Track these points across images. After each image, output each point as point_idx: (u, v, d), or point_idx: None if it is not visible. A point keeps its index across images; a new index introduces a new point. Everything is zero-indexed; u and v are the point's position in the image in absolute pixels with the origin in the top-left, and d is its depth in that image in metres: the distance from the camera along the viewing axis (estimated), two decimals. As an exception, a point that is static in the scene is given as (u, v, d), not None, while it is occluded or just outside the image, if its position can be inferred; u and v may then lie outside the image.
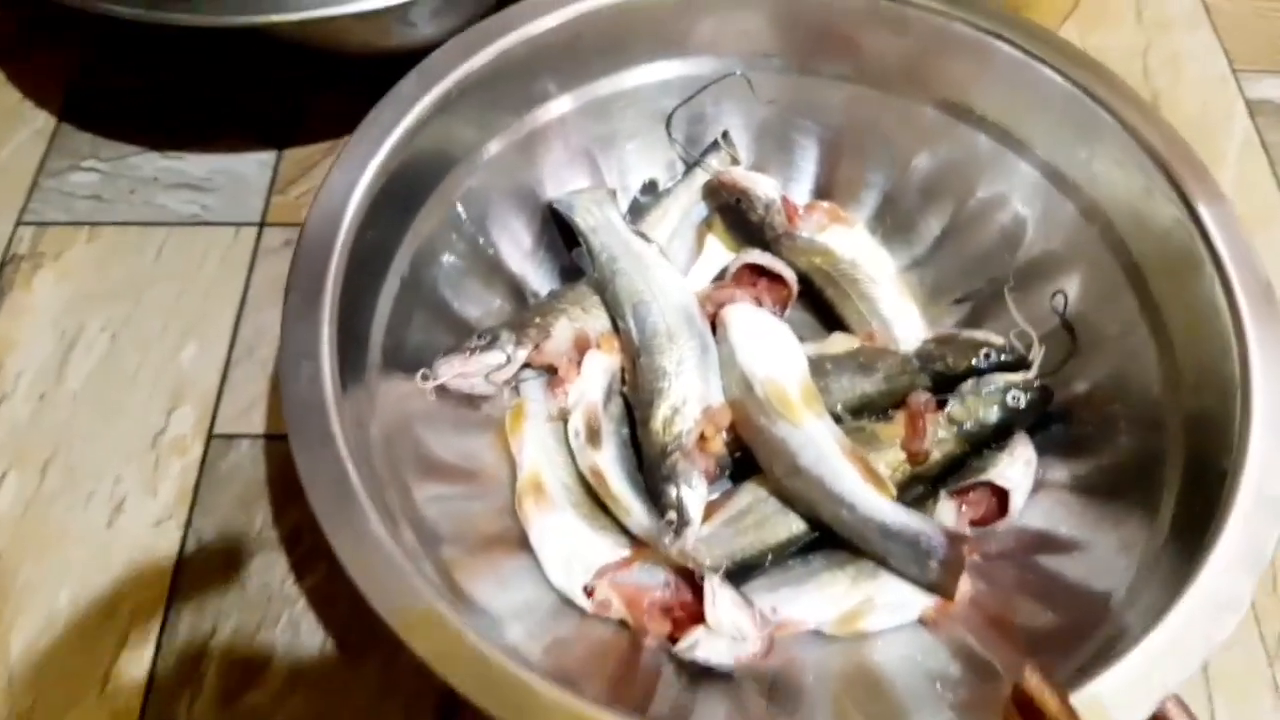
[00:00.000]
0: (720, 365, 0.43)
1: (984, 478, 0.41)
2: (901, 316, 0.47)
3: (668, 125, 0.49)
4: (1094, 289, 0.43)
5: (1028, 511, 0.41)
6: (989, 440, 0.42)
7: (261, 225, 0.53)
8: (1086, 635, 0.34)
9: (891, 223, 0.49)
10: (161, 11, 0.45)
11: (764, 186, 0.48)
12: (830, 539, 0.40)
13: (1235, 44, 0.63)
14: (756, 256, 0.47)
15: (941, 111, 0.46)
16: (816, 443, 0.39)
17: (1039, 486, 0.42)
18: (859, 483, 0.38)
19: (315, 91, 0.58)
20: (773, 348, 0.42)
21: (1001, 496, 0.41)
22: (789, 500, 0.40)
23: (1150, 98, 0.60)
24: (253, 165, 0.55)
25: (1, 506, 0.45)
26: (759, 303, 0.46)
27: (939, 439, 0.42)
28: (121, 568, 0.44)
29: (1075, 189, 0.44)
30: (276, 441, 0.46)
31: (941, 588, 0.38)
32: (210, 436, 0.47)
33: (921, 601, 0.38)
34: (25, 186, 0.55)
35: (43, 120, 0.57)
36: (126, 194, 0.54)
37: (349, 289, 0.38)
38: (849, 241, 0.48)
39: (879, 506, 0.38)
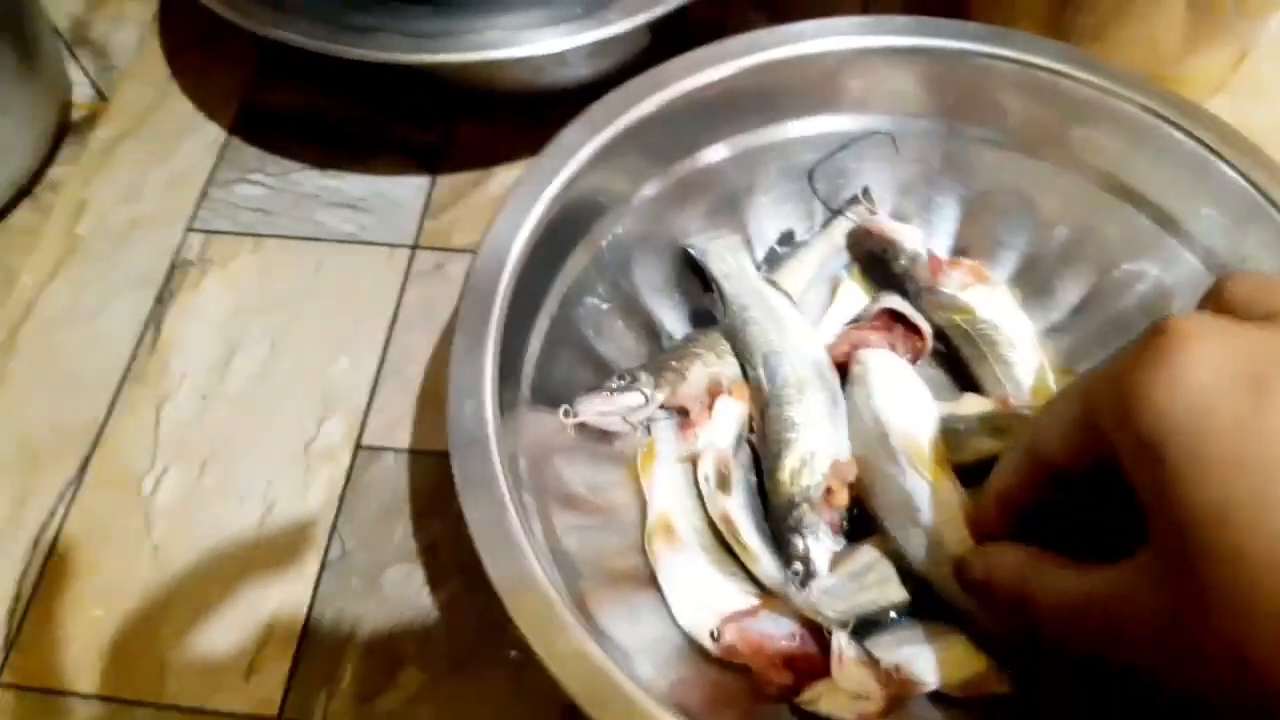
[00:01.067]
0: (850, 409, 0.44)
1: None
2: (1036, 382, 0.47)
3: (810, 177, 0.50)
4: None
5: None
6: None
7: (414, 248, 0.56)
8: None
9: (1029, 287, 0.49)
10: (340, 45, 0.48)
11: (911, 238, 0.48)
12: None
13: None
14: (896, 303, 0.48)
15: (1090, 182, 0.47)
16: (942, 503, 0.40)
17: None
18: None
19: (466, 121, 0.61)
20: (911, 398, 0.43)
21: None
22: (894, 555, 0.41)
23: (1300, 174, 0.59)
24: (407, 189, 0.58)
25: (162, 500, 0.48)
26: (893, 349, 0.47)
27: None
28: (270, 566, 0.47)
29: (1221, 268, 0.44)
30: (421, 456, 0.49)
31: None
32: (358, 447, 0.49)
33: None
34: (195, 195, 0.58)
35: (214, 133, 0.61)
36: (289, 208, 0.58)
37: (508, 330, 0.40)
38: (991, 302, 0.48)
39: None
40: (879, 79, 0.48)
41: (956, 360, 0.48)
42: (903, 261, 0.48)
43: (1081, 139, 0.47)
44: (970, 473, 0.41)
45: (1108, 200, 0.47)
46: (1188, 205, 0.45)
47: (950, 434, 0.43)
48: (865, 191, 0.50)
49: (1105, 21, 0.52)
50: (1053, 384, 0.47)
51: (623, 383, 0.44)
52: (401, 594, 0.46)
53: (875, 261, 0.50)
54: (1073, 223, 0.48)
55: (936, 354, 0.48)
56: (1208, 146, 0.43)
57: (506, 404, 0.39)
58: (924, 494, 0.40)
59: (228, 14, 0.50)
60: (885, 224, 0.49)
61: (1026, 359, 0.47)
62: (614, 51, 0.53)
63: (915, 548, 0.40)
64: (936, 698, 0.39)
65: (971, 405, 0.45)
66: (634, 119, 0.45)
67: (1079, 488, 0.32)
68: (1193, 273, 0.45)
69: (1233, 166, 0.42)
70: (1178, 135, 0.44)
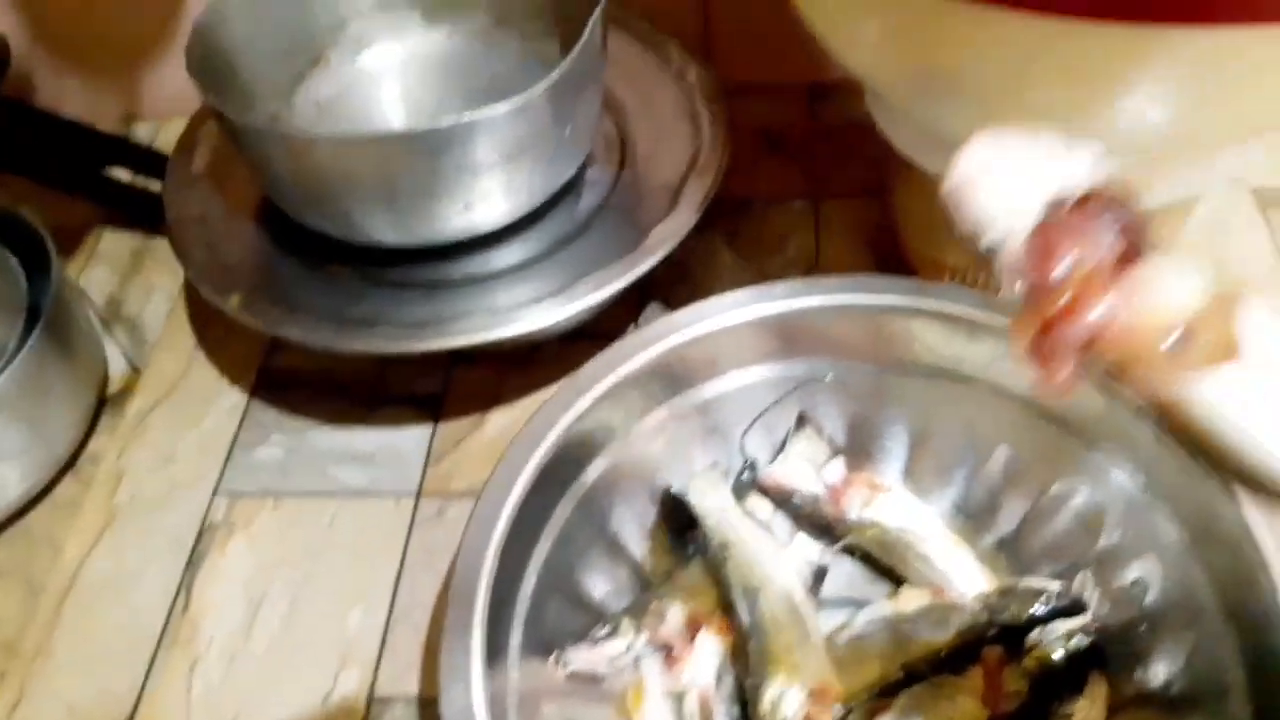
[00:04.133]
0: None
1: None
2: (958, 567, 0.52)
3: (741, 440, 0.56)
4: (1172, 581, 0.47)
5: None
6: (1059, 684, 0.47)
7: (418, 496, 0.61)
8: None
9: (977, 502, 0.54)
10: (341, 341, 0.55)
11: (803, 482, 0.54)
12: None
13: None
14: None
15: (1014, 406, 0.52)
16: None
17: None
18: None
19: (461, 368, 0.67)
20: None
21: None
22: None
23: (1230, 363, 0.63)
24: (411, 439, 0.64)
25: (195, 764, 0.52)
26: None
27: (1014, 691, 0.46)
28: (295, 825, 0.50)
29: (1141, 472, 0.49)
30: (429, 705, 0.52)
31: None
32: (371, 699, 0.53)
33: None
34: (221, 459, 0.64)
35: (236, 398, 0.67)
36: (305, 466, 0.63)
37: (499, 578, 0.44)
38: (894, 509, 0.53)
39: None
40: (819, 331, 0.54)
41: (882, 567, 0.53)
42: (805, 504, 0.54)
43: (1012, 374, 0.52)
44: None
45: (1035, 423, 0.51)
46: (1101, 427, 0.49)
47: (899, 634, 0.48)
48: (801, 418, 0.56)
49: (1025, 252, 0.58)
50: (974, 560, 0.52)
51: (606, 631, 0.48)
52: (420, 842, 0.49)
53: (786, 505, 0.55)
54: (1008, 448, 0.52)
55: (866, 559, 0.54)
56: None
57: (496, 661, 0.43)
58: None
59: (244, 319, 0.57)
60: (777, 475, 0.54)
61: (942, 549, 0.52)
62: (593, 308, 0.59)
63: None
64: None
65: (911, 600, 0.50)
66: (616, 380, 0.51)
67: None
68: (1120, 489, 0.49)
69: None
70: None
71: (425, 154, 0.53)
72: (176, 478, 0.64)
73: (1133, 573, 0.48)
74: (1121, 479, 0.49)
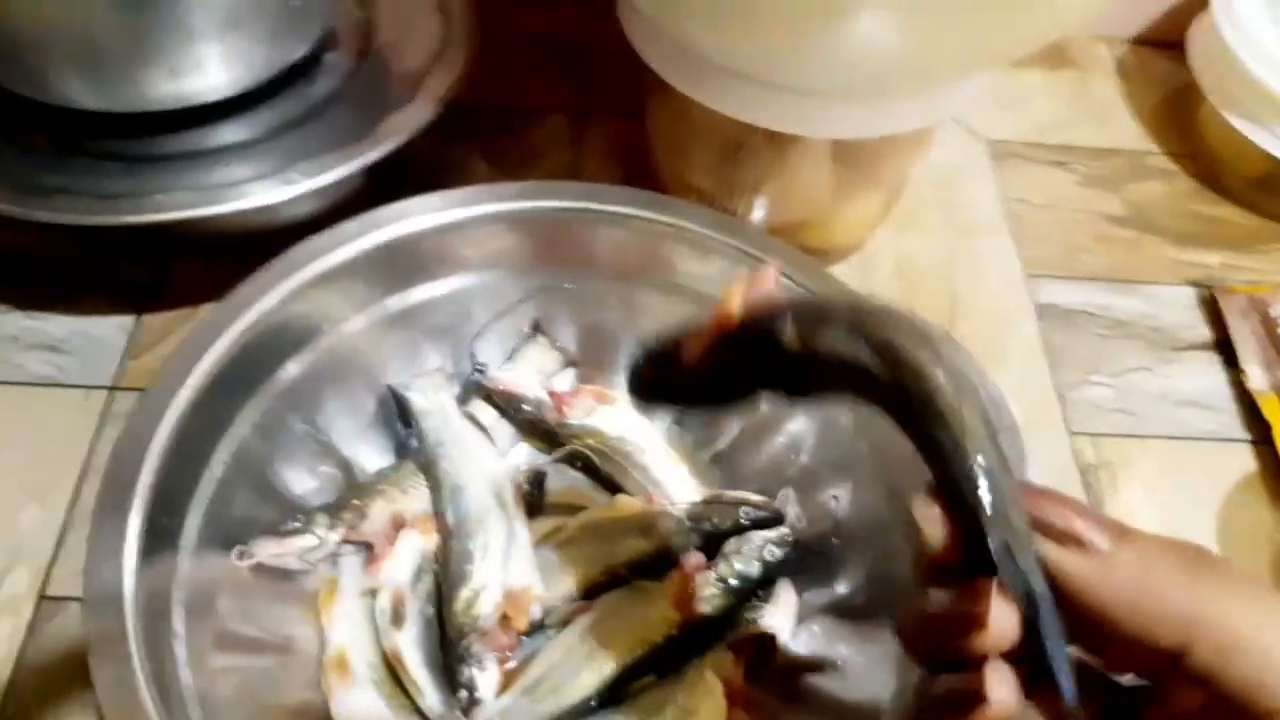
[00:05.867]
0: None
1: (754, 629, 0.47)
2: (672, 479, 0.52)
3: (471, 344, 0.55)
4: (860, 493, 0.49)
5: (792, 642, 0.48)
6: (754, 590, 0.48)
7: (113, 389, 0.56)
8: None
9: (699, 418, 0.55)
10: (26, 208, 0.50)
11: (529, 388, 0.53)
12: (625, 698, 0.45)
13: (1031, 250, 0.71)
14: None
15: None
16: None
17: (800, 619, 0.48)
18: None
19: (179, 260, 0.62)
20: None
21: (770, 638, 0.47)
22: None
23: (950, 300, 0.67)
24: (111, 329, 0.58)
25: None
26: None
27: (708, 594, 0.47)
28: (-61, 729, 0.45)
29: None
30: (103, 606, 0.49)
31: None
32: (41, 598, 0.49)
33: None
34: (-115, 338, 0.57)
35: (-90, 272, 0.60)
36: (-15, 351, 0.57)
37: (171, 462, 0.41)
38: (615, 419, 0.53)
39: None
40: (561, 238, 0.53)
41: (602, 475, 0.53)
42: (528, 409, 0.53)
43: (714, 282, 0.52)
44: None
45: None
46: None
47: (608, 540, 0.49)
48: (536, 325, 0.55)
49: (763, 176, 0.59)
50: (689, 477, 0.53)
51: (296, 524, 0.46)
52: (82, 749, 0.45)
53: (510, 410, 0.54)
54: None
55: (589, 471, 0.54)
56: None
57: (160, 552, 0.40)
58: None
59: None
60: (505, 381, 0.54)
61: (657, 461, 0.53)
62: (326, 194, 0.56)
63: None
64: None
65: (623, 507, 0.51)
66: (326, 266, 0.48)
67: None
68: (829, 415, 0.51)
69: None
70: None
71: (128, 6, 0.48)
72: None
73: (829, 491, 0.50)
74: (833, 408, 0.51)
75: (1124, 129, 0.81)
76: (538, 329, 0.55)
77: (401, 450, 0.53)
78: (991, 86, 0.57)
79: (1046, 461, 0.60)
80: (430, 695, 0.43)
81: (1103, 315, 0.68)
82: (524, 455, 0.54)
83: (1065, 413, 0.62)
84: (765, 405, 0.51)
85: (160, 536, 0.40)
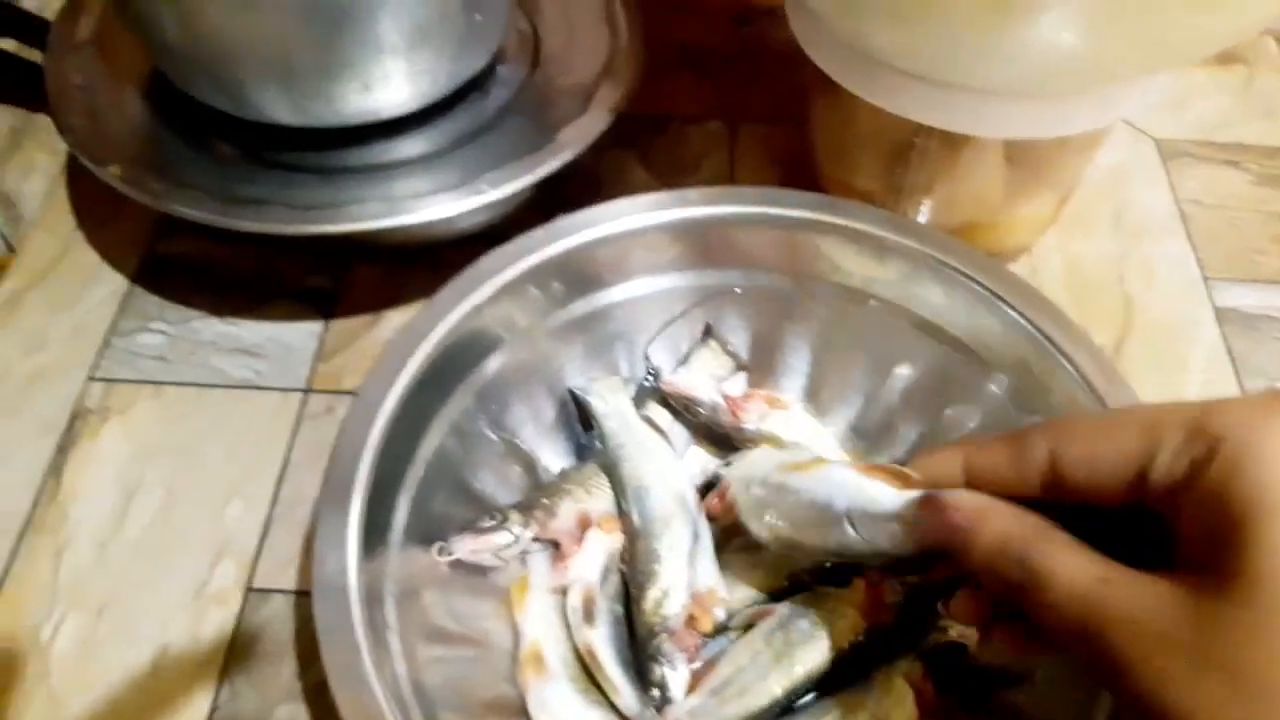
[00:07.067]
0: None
1: (944, 638, 0.46)
2: None
3: (646, 348, 0.56)
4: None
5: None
6: (935, 597, 0.47)
7: (306, 392, 0.59)
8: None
9: (875, 424, 0.54)
10: (229, 219, 0.53)
11: (704, 391, 0.53)
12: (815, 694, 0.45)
13: (1207, 252, 0.69)
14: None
15: (916, 329, 0.52)
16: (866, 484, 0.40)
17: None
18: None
19: (360, 266, 0.64)
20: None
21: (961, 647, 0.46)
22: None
23: (1123, 304, 0.65)
24: (301, 334, 0.62)
25: (61, 646, 0.50)
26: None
27: (893, 603, 0.47)
28: (162, 707, 0.48)
29: (1029, 407, 0.49)
30: (307, 598, 0.51)
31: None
32: (248, 590, 0.52)
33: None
34: (98, 344, 0.61)
35: (117, 282, 0.64)
36: (188, 356, 0.60)
37: (381, 466, 0.43)
38: (791, 424, 0.54)
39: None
40: (734, 242, 0.54)
41: None
42: (704, 412, 0.53)
43: (907, 293, 0.52)
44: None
45: (931, 345, 0.52)
46: (996, 350, 0.50)
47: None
48: (707, 329, 0.55)
49: (933, 177, 0.59)
50: None
51: (493, 522, 0.47)
52: (289, 732, 0.48)
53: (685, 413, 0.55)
54: (907, 366, 0.53)
55: None
56: (1005, 301, 0.49)
57: (376, 540, 0.42)
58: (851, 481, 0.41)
59: (124, 189, 0.54)
60: (681, 385, 0.54)
61: None
62: (498, 206, 0.58)
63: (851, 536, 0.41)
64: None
65: None
66: (508, 278, 0.50)
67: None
68: (1010, 419, 0.50)
69: (1016, 310, 0.49)
70: (982, 291, 0.50)
71: (323, 23, 0.50)
72: (49, 361, 0.60)
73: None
74: (1014, 411, 0.50)
75: (1297, 127, 0.78)
76: (709, 333, 0.56)
77: (581, 453, 0.54)
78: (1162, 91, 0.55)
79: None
80: (625, 694, 0.44)
81: (1287, 319, 0.66)
82: (698, 458, 0.55)
83: (1252, 421, 0.60)
84: (948, 410, 0.52)
85: (375, 532, 0.42)
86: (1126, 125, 0.76)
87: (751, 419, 0.54)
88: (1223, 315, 0.65)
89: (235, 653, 0.50)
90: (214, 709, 0.48)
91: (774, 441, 0.53)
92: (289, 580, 0.52)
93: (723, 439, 0.54)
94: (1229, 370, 0.62)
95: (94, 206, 0.68)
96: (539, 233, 0.51)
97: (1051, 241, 0.68)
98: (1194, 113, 0.78)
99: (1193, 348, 0.63)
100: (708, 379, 0.55)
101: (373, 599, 0.40)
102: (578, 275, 0.52)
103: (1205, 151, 0.76)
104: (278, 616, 0.51)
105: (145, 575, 0.52)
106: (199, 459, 0.56)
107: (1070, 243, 0.68)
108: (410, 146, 0.59)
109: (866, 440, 0.55)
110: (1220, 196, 0.73)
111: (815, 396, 0.56)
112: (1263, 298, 0.66)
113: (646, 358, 0.56)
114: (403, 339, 0.47)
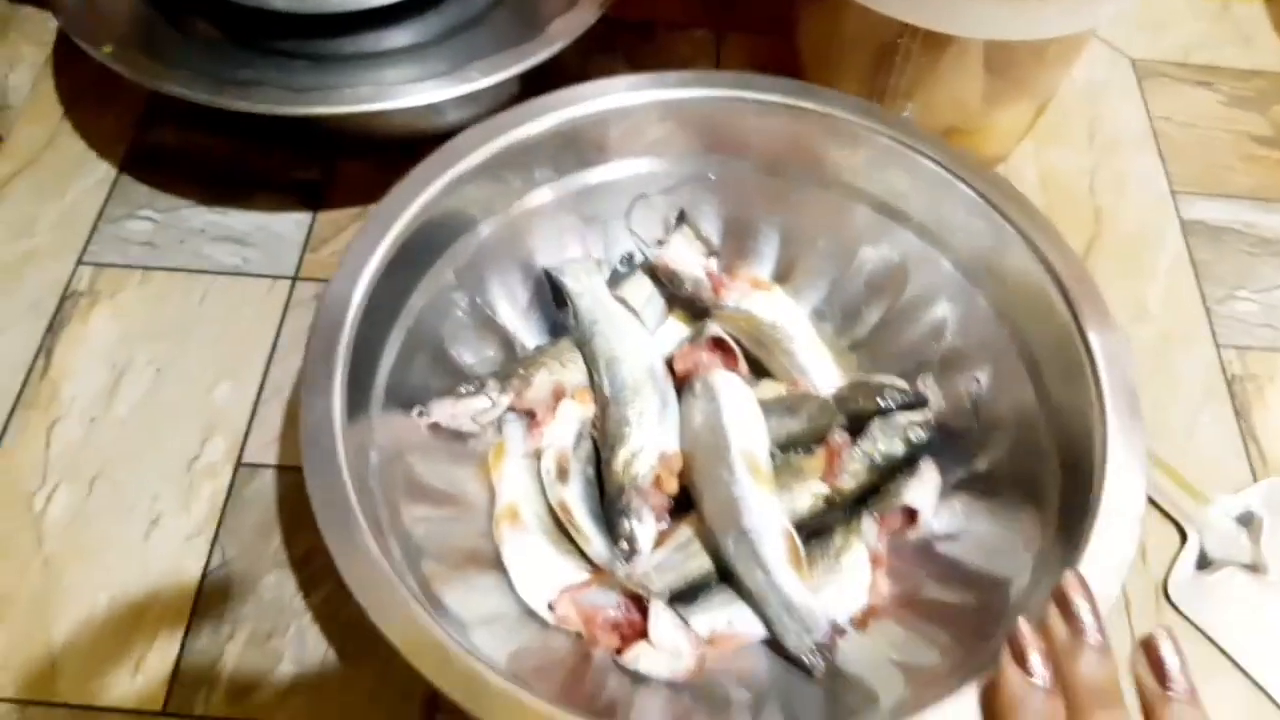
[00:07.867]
0: (689, 418, 0.50)
1: (898, 501, 0.49)
2: (817, 365, 0.54)
3: (627, 216, 0.57)
4: (1000, 378, 0.50)
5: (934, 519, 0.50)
6: (898, 468, 0.50)
7: (295, 279, 0.60)
8: (997, 617, 0.42)
9: (840, 307, 0.56)
10: (223, 98, 0.53)
11: (690, 266, 0.55)
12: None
13: (1176, 167, 0.70)
14: (718, 331, 0.54)
15: (878, 213, 0.54)
16: (764, 511, 0.46)
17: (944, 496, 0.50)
18: (783, 557, 0.45)
19: (347, 161, 0.65)
20: (753, 419, 0.49)
21: (912, 512, 0.49)
22: (710, 545, 0.47)
23: (1094, 214, 0.67)
24: (289, 224, 0.63)
25: (53, 515, 0.51)
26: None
27: (853, 470, 0.50)
28: (154, 576, 0.50)
29: (989, 291, 0.51)
30: (294, 472, 0.52)
31: (806, 664, 0.44)
32: (239, 465, 0.53)
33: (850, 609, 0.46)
34: (86, 230, 0.62)
35: (105, 170, 0.65)
36: (177, 243, 0.62)
37: (361, 337, 0.45)
38: (769, 305, 0.56)
39: (790, 582, 0.45)
40: (699, 128, 0.55)
41: (750, 357, 0.55)
42: (687, 287, 0.55)
43: (873, 178, 0.54)
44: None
45: (893, 229, 0.54)
46: (955, 230, 0.52)
47: None
48: (681, 215, 0.57)
49: (915, 82, 0.60)
50: (832, 364, 0.55)
51: (471, 388, 0.49)
52: (277, 599, 0.49)
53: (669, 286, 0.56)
54: (870, 249, 0.55)
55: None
56: (966, 181, 0.51)
57: (359, 404, 0.44)
58: (752, 501, 0.46)
59: (117, 67, 0.54)
60: (667, 258, 0.55)
61: (804, 348, 0.55)
62: (484, 99, 0.58)
63: (726, 540, 0.46)
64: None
65: (768, 390, 0.53)
66: (484, 156, 0.51)
67: None
68: (971, 303, 0.52)
69: (985, 198, 0.50)
70: (942, 172, 0.51)
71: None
72: (38, 246, 0.61)
73: (970, 374, 0.52)
74: (975, 295, 0.52)
75: (1269, 51, 0.79)
76: (683, 219, 0.57)
77: (556, 331, 0.56)
78: (1135, 6, 0.57)
79: (1193, 373, 0.60)
80: (596, 543, 0.47)
81: (1249, 233, 0.67)
82: (673, 331, 0.56)
83: (1213, 326, 0.62)
84: (907, 291, 0.54)
85: (357, 403, 0.44)
86: (1104, 45, 0.77)
87: (733, 296, 0.56)
88: (1189, 227, 0.67)
89: (225, 524, 0.51)
90: (204, 575, 0.50)
91: (748, 319, 0.55)
92: (278, 456, 0.53)
93: (702, 312, 0.56)
94: (1191, 278, 0.64)
95: (81, 96, 0.69)
96: (516, 110, 0.52)
97: (1028, 150, 0.69)
98: (1171, 35, 0.79)
99: (1158, 256, 0.65)
100: (692, 255, 0.56)
101: (358, 449, 0.42)
102: (557, 155, 0.53)
103: (1180, 72, 0.77)
104: (267, 489, 0.53)
105: (137, 449, 0.54)
106: (189, 341, 0.58)
107: (1045, 153, 0.70)
108: (401, 36, 0.60)
109: (831, 322, 0.57)
110: (1192, 115, 0.74)
111: (784, 280, 0.57)
112: (1229, 211, 0.68)
113: (629, 225, 0.57)
114: (382, 210, 0.48)
